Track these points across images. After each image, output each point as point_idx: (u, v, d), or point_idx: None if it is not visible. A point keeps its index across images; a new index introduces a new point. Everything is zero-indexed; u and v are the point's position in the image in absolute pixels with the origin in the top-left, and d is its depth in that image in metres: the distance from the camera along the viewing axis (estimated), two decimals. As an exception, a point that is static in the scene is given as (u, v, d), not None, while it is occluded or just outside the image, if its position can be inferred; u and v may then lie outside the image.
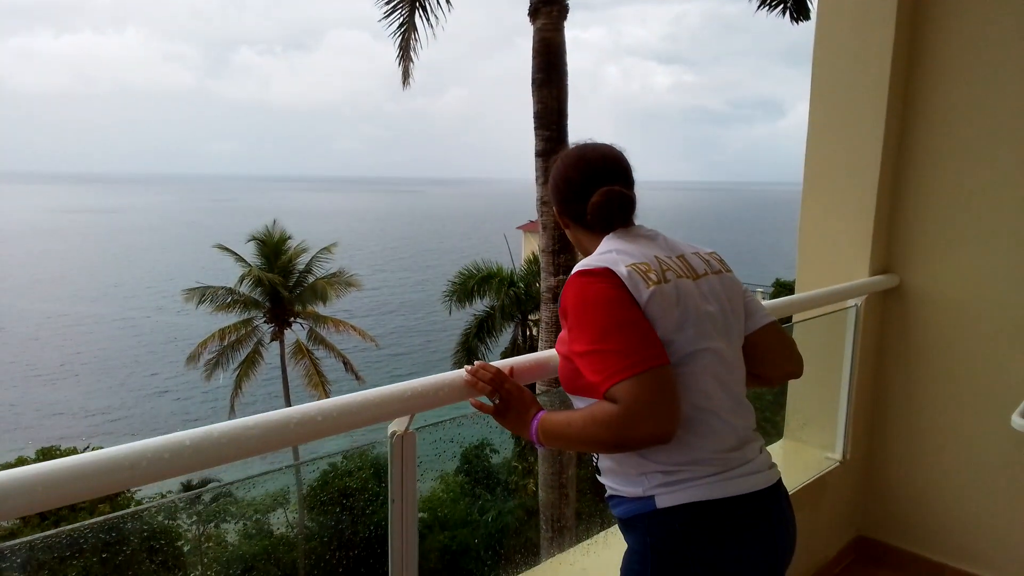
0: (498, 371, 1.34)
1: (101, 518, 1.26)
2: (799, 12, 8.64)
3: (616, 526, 1.42)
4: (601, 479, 1.33)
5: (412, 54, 9.96)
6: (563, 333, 1.27)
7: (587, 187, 1.33)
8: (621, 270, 1.19)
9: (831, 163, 2.73)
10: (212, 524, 12.84)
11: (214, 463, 1.07)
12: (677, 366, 1.18)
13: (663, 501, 1.19)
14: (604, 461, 1.30)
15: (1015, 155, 2.41)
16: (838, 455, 2.74)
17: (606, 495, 1.32)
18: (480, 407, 1.34)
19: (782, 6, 8.65)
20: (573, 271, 1.23)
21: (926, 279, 2.67)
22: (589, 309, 1.17)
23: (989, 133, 2.46)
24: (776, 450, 2.84)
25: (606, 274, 1.19)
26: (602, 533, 2.01)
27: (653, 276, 1.20)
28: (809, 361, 2.73)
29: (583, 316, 1.17)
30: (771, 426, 3.12)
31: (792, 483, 2.51)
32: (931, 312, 2.67)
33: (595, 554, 1.96)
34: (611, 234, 1.32)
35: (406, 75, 10.06)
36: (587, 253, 1.35)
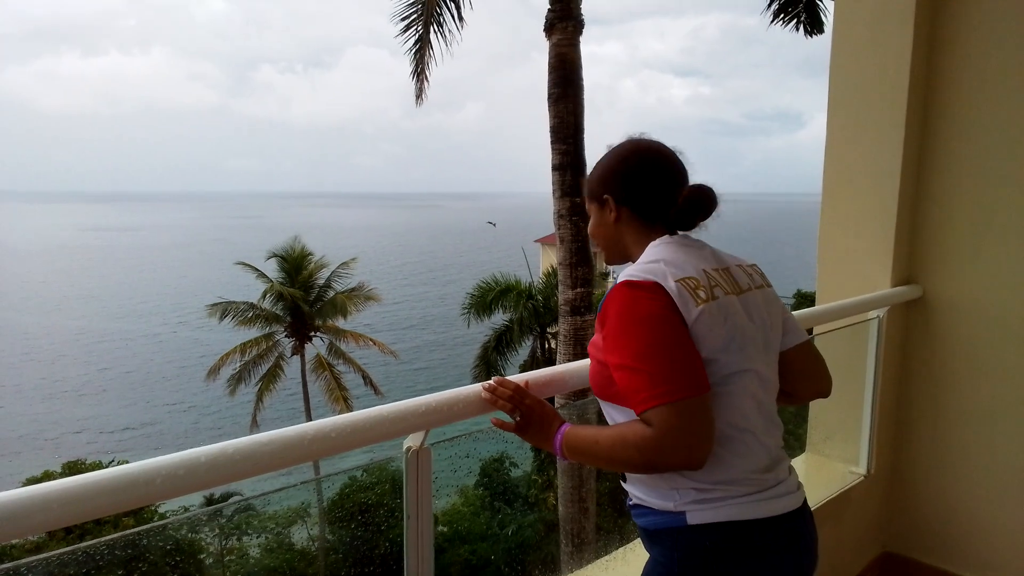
0: (517, 387, 1.33)
1: (119, 534, 1.27)
2: (813, 25, 8.63)
3: (636, 540, 1.41)
4: (627, 486, 1.31)
5: (427, 71, 10.06)
6: (597, 338, 1.23)
7: (663, 181, 1.30)
8: (670, 285, 1.14)
9: (850, 173, 2.70)
10: (234, 538, 12.92)
11: (229, 479, 1.07)
12: (717, 385, 1.15)
13: (695, 518, 1.17)
14: (635, 477, 1.27)
15: (1039, 162, 2.36)
16: (862, 469, 2.69)
17: (630, 503, 1.30)
18: (501, 425, 1.32)
19: (796, 20, 8.64)
20: (619, 279, 1.19)
21: (950, 289, 2.62)
22: (633, 325, 1.13)
23: (1012, 140, 2.41)
24: (799, 464, 2.79)
25: (654, 289, 1.14)
26: (620, 549, 1.99)
27: (702, 293, 1.16)
28: (831, 373, 2.70)
29: (626, 330, 1.13)
30: (794, 439, 3.07)
31: (816, 498, 2.46)
32: (955, 323, 2.62)
33: (614, 570, 1.93)
34: (661, 239, 1.27)
35: (420, 92, 10.15)
36: (619, 250, 1.35)
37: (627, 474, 1.28)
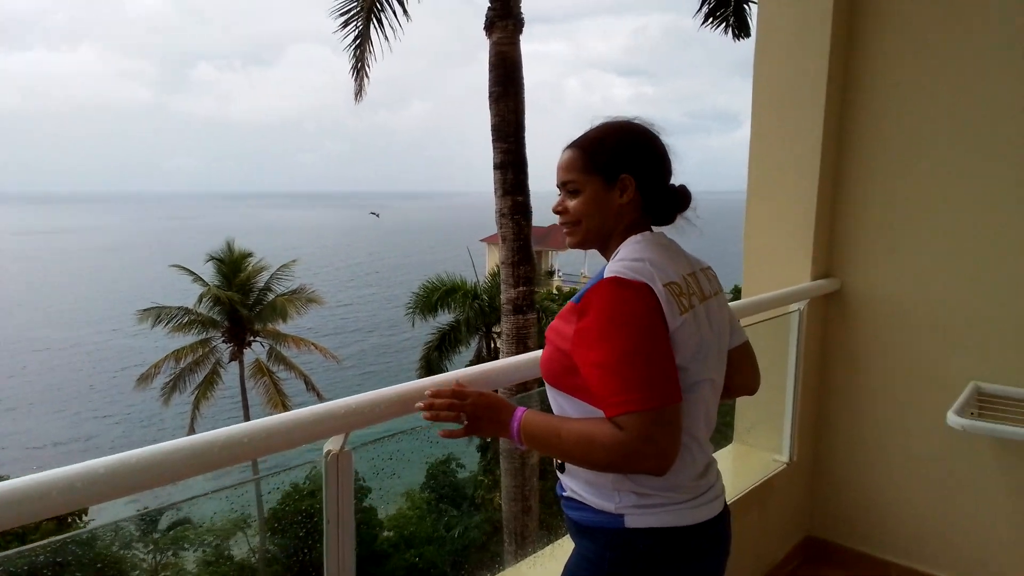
0: (452, 391, 1.27)
1: (27, 547, 1.22)
2: (740, 29, 8.94)
3: (564, 537, 1.43)
4: (564, 477, 1.29)
5: (367, 68, 9.94)
6: (564, 327, 1.19)
7: (669, 171, 1.29)
8: (659, 288, 1.13)
9: (773, 173, 2.80)
10: (170, 552, 12.49)
11: (132, 491, 1.04)
12: (684, 393, 1.14)
13: (633, 522, 1.19)
14: (578, 473, 1.25)
15: (948, 163, 2.51)
16: (785, 457, 2.79)
17: (562, 493, 1.30)
18: (450, 435, 1.28)
19: (724, 24, 8.93)
20: (606, 273, 1.15)
21: (865, 283, 2.75)
22: (619, 324, 1.10)
23: (924, 142, 2.55)
24: (726, 454, 2.88)
25: (644, 291, 1.12)
26: (549, 547, 2.01)
27: (685, 301, 1.16)
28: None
29: (610, 329, 1.10)
30: (728, 428, 3.16)
31: (742, 486, 2.54)
32: (870, 315, 2.75)
33: (542, 566, 1.95)
34: (642, 235, 1.25)
35: (360, 89, 10.04)
36: (604, 234, 1.27)
37: (568, 466, 1.26)
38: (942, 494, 2.65)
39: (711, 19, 9.03)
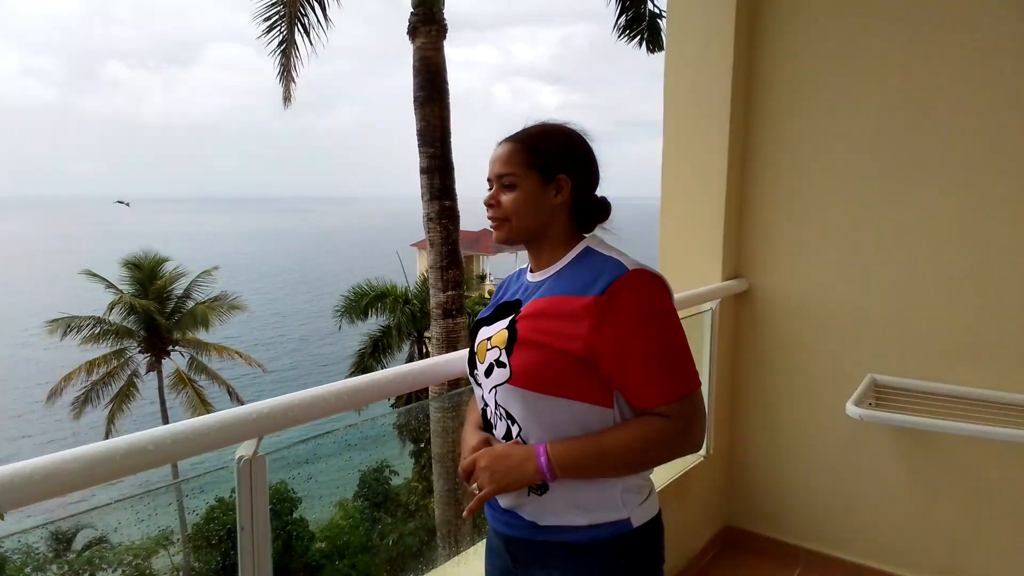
0: (465, 467, 1.23)
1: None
2: (654, 42, 9.27)
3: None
4: (547, 503, 1.19)
5: (294, 72, 9.73)
6: (570, 326, 1.13)
7: (594, 177, 1.31)
8: (668, 281, 1.19)
9: (683, 179, 2.92)
10: (87, 574, 11.83)
11: (27, 502, 0.99)
12: None
13: (637, 519, 1.21)
14: (575, 493, 1.18)
15: (842, 168, 2.67)
16: (702, 451, 2.91)
17: (542, 522, 1.21)
18: (478, 507, 1.20)
19: (640, 37, 9.23)
20: (630, 268, 1.15)
21: (770, 282, 2.90)
22: (663, 316, 1.14)
23: (823, 149, 2.71)
24: (647, 450, 2.97)
25: (668, 286, 1.17)
26: (473, 547, 2.03)
27: None
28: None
29: (656, 320, 1.13)
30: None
31: (663, 479, 2.64)
32: (776, 313, 2.90)
33: (465, 564, 1.97)
34: (597, 237, 1.29)
35: (288, 94, 9.82)
36: (535, 232, 1.26)
37: (559, 491, 1.18)
38: (845, 481, 2.82)
39: (627, 32, 9.31)
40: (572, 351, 1.13)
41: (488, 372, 1.24)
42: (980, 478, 2.54)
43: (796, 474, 2.95)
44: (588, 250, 1.24)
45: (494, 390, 1.23)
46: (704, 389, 2.85)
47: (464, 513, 1.25)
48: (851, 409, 2.39)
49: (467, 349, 1.38)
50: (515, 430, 1.21)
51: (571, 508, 1.19)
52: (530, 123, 1.30)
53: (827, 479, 2.87)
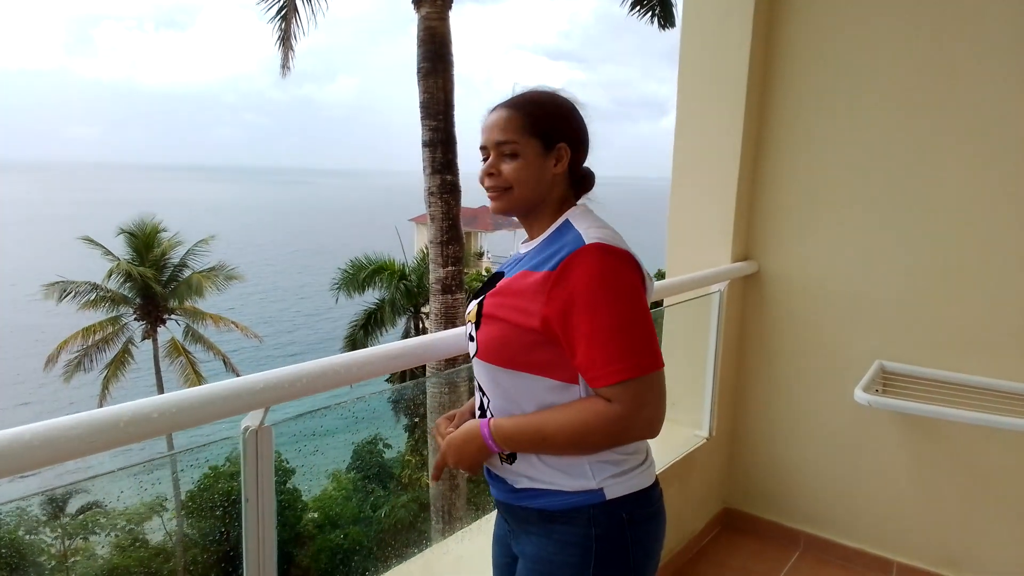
0: (440, 451, 1.29)
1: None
2: (666, 19, 9.13)
3: (493, 512, 1.42)
4: (518, 467, 1.22)
5: (292, 40, 9.61)
6: (526, 301, 1.13)
7: (586, 147, 1.27)
8: (638, 257, 1.14)
9: (695, 159, 2.87)
10: (79, 538, 11.93)
11: (27, 468, 0.96)
12: None
13: (612, 492, 1.18)
14: (543, 459, 1.20)
15: (857, 151, 2.62)
16: (705, 432, 2.90)
17: (515, 486, 1.24)
18: (437, 473, 1.33)
19: (651, 12, 9.07)
20: (588, 242, 1.10)
21: (780, 265, 2.86)
22: (615, 292, 1.07)
23: (837, 131, 2.66)
24: (649, 430, 2.95)
25: (630, 259, 1.12)
26: (476, 523, 2.01)
27: (645, 272, 1.18)
28: (677, 343, 2.86)
29: (605, 296, 1.07)
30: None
31: (664, 460, 2.63)
32: (785, 296, 2.86)
33: (469, 541, 1.96)
34: (584, 207, 1.26)
35: (286, 61, 9.71)
36: (535, 203, 1.23)
37: (525, 455, 1.21)
38: (848, 466, 2.81)
39: (638, 7, 9.15)
40: (529, 326, 1.13)
41: (469, 345, 1.29)
42: (985, 467, 2.53)
43: (798, 458, 2.94)
44: (566, 223, 1.21)
45: (473, 363, 1.28)
46: (709, 371, 2.84)
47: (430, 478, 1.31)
48: (859, 395, 2.37)
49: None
50: (485, 402, 1.26)
51: (542, 472, 1.20)
52: (520, 89, 1.25)
53: (830, 464, 2.86)
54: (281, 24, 9.43)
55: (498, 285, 1.22)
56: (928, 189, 2.50)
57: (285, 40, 9.57)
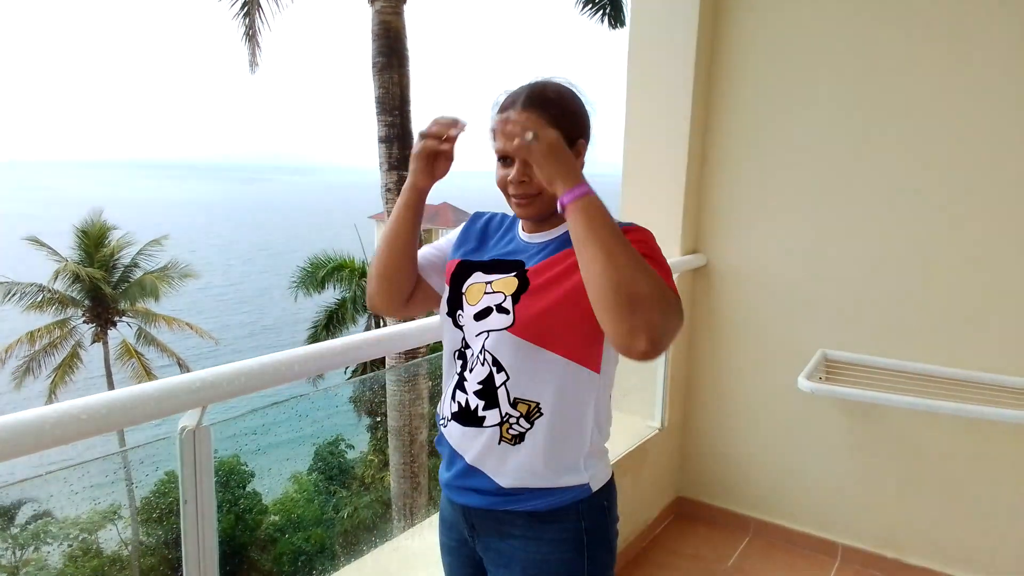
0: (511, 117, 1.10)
1: None
2: (616, 19, 9.21)
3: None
4: (520, 460, 1.17)
5: (259, 36, 9.35)
6: (578, 279, 1.07)
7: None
8: None
9: (645, 156, 2.92)
10: (31, 549, 11.56)
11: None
12: None
13: (596, 483, 1.21)
14: (543, 453, 1.16)
15: (800, 147, 2.70)
16: (657, 423, 2.94)
17: (506, 485, 1.18)
18: (523, 145, 1.03)
19: (601, 12, 9.16)
20: (625, 223, 1.12)
21: (728, 257, 2.92)
22: (658, 252, 1.12)
23: (779, 128, 2.73)
24: (603, 423, 2.99)
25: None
26: (428, 519, 2.01)
27: None
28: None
29: (649, 250, 1.10)
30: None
31: (618, 451, 2.66)
32: (733, 288, 2.93)
33: (419, 536, 1.96)
34: None
35: (254, 58, 9.43)
36: (553, 204, 1.12)
37: (537, 446, 1.16)
38: (794, 453, 2.89)
39: (589, 5, 9.23)
40: (579, 304, 1.06)
41: (481, 315, 1.19)
42: (923, 451, 2.63)
43: (747, 446, 3.01)
44: None
45: (485, 334, 1.18)
46: (660, 362, 2.88)
47: (507, 125, 1.07)
48: (802, 383, 2.44)
49: (444, 300, 1.29)
50: (500, 378, 1.17)
51: (534, 469, 1.17)
52: (532, 81, 1.20)
53: (777, 451, 2.93)
54: (246, 19, 9.18)
55: (545, 263, 1.17)
56: (867, 183, 2.59)
57: (251, 36, 9.29)
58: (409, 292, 1.34)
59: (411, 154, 1.24)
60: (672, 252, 2.85)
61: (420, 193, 1.28)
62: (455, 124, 1.20)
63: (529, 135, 1.03)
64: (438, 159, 1.24)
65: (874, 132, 2.55)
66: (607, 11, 9.19)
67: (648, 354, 0.97)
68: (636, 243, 1.06)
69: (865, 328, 2.66)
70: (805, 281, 2.76)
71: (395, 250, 1.30)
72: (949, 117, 2.41)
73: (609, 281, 0.98)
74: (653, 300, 0.96)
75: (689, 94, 2.74)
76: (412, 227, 1.30)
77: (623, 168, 2.96)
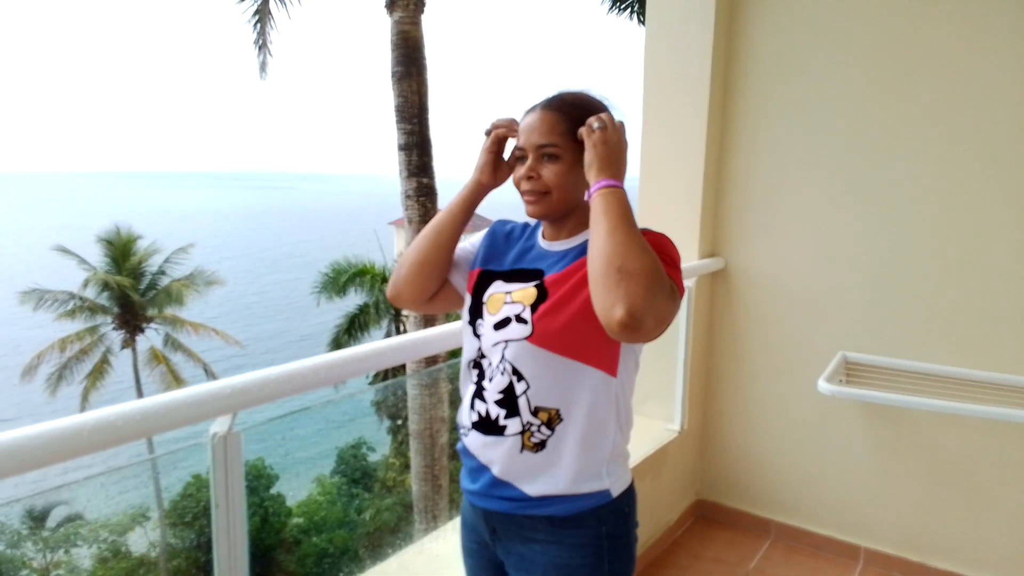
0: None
1: None
2: (645, 15, 9.16)
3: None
4: (545, 467, 1.19)
5: (269, 43, 9.57)
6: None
7: None
8: None
9: (662, 159, 2.93)
10: (61, 551, 11.80)
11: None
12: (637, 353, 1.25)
13: (616, 489, 1.24)
14: (568, 457, 1.18)
15: (818, 148, 2.69)
16: (676, 426, 2.95)
17: (531, 493, 1.21)
18: (600, 131, 1.14)
19: (630, 9, 9.15)
20: (648, 230, 1.17)
21: (746, 261, 2.92)
22: (674, 253, 1.16)
23: (798, 132, 2.73)
24: (623, 426, 3.00)
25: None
26: (451, 522, 2.05)
27: None
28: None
29: (669, 252, 1.15)
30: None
31: (638, 454, 2.68)
32: (751, 290, 2.93)
33: (443, 539, 1.99)
34: None
35: (264, 65, 9.67)
36: (563, 198, 1.20)
37: (563, 450, 1.19)
38: (814, 455, 2.88)
39: (618, 3, 9.22)
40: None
41: (501, 325, 1.21)
42: (945, 453, 2.60)
43: (768, 449, 3.00)
44: None
45: (505, 344, 1.20)
46: (679, 366, 2.89)
47: (594, 121, 1.15)
48: (822, 386, 2.43)
49: (465, 309, 1.32)
50: (520, 387, 1.19)
51: (557, 475, 1.20)
52: (558, 90, 1.25)
53: (797, 454, 2.92)
54: (258, 27, 9.39)
55: (564, 273, 1.19)
56: (887, 184, 2.57)
57: (262, 44, 9.53)
58: (437, 288, 1.37)
59: (481, 148, 1.30)
60: (690, 255, 2.86)
61: (482, 190, 1.33)
62: (515, 122, 1.27)
63: (595, 122, 1.14)
64: (500, 165, 1.31)
65: (892, 134, 2.54)
66: (635, 8, 9.15)
67: (627, 325, 0.98)
68: (650, 243, 1.10)
69: (885, 330, 2.65)
70: (824, 283, 2.75)
71: (438, 243, 1.34)
72: (967, 120, 2.40)
73: (602, 255, 1.04)
74: (641, 275, 1.00)
75: (706, 98, 2.75)
76: (460, 223, 1.34)
77: (640, 172, 2.98)
